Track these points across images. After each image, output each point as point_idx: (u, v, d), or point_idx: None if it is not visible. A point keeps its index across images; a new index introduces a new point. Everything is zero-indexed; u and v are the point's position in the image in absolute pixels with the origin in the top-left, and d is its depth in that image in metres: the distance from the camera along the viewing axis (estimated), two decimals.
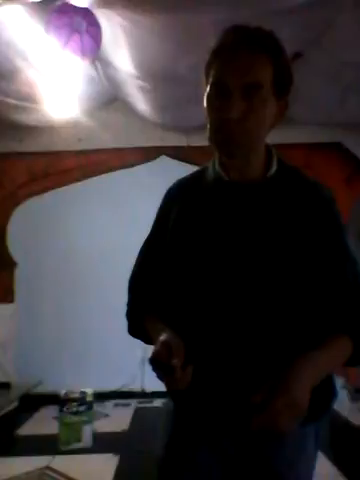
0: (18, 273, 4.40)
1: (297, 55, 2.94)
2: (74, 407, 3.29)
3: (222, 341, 1.02)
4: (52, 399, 3.62)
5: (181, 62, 2.80)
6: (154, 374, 0.94)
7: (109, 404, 4.26)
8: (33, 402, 3.99)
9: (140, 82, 3.21)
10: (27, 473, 2.87)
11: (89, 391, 3.38)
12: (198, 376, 0.93)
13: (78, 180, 4.40)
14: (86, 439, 3.29)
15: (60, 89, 3.30)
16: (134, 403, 4.28)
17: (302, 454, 1.05)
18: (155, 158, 4.38)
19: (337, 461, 2.85)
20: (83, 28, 2.29)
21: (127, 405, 4.26)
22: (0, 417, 3.18)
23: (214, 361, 1.01)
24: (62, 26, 2.26)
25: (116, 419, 3.93)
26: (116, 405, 4.28)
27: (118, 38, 2.65)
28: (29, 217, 4.42)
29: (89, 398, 3.36)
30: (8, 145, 4.22)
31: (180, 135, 4.17)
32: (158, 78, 3.09)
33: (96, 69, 3.24)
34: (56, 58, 2.62)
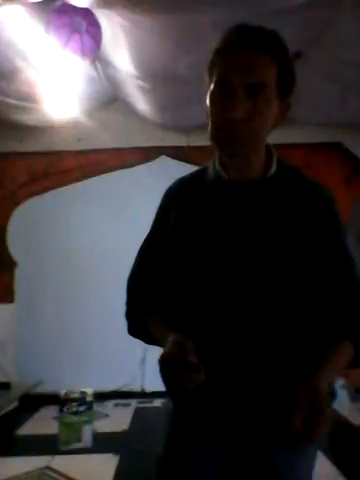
0: (18, 273, 4.40)
1: (297, 55, 2.93)
2: (74, 407, 3.29)
3: (224, 340, 1.02)
4: (52, 399, 3.62)
5: (181, 62, 2.80)
6: (155, 374, 0.94)
7: (109, 404, 4.26)
8: (33, 402, 3.99)
9: (140, 82, 3.21)
10: (27, 473, 2.87)
11: (89, 391, 3.38)
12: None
13: (78, 180, 4.40)
14: (86, 439, 3.29)
15: (60, 89, 3.30)
16: (134, 403, 4.28)
17: (302, 454, 1.05)
18: (155, 158, 4.38)
19: (337, 461, 2.85)
20: (83, 28, 2.29)
21: (127, 405, 4.26)
22: (0, 417, 3.18)
23: (216, 361, 1.01)
24: (62, 26, 2.26)
25: (116, 419, 3.93)
26: (116, 405, 4.28)
27: (118, 38, 2.65)
28: (29, 217, 4.42)
29: (89, 398, 3.36)
30: (8, 145, 4.22)
31: (180, 135, 4.18)
32: (158, 78, 3.09)
33: (96, 69, 3.24)
34: (56, 58, 2.62)
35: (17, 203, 4.43)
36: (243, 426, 1.02)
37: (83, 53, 2.39)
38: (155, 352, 0.99)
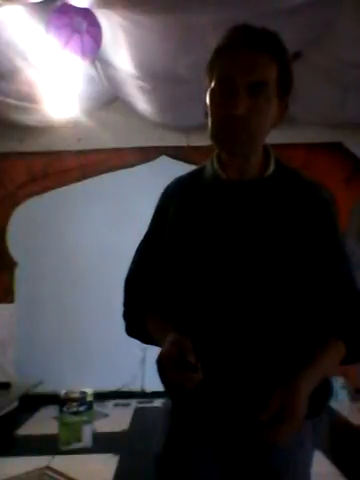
0: (18, 273, 4.40)
1: (297, 55, 2.94)
2: (74, 407, 3.29)
3: (221, 339, 1.02)
4: (52, 399, 3.62)
5: (181, 62, 2.80)
6: (155, 374, 0.94)
7: (109, 404, 4.26)
8: (33, 402, 3.99)
9: (140, 82, 3.21)
10: (27, 473, 2.87)
11: (89, 391, 3.38)
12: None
13: (78, 180, 4.41)
14: (86, 439, 3.29)
15: (60, 89, 3.30)
16: (134, 403, 4.28)
17: (299, 450, 1.05)
18: (155, 158, 4.38)
19: (337, 461, 2.85)
20: (83, 28, 2.29)
21: (127, 405, 4.26)
22: (0, 417, 3.18)
23: (214, 359, 1.02)
24: (62, 26, 2.26)
25: (116, 419, 3.93)
26: (116, 405, 4.28)
27: (118, 38, 2.65)
28: (29, 217, 4.42)
29: (89, 398, 3.36)
30: (8, 145, 4.22)
31: (180, 135, 4.18)
32: (158, 78, 3.09)
33: (96, 69, 3.24)
34: (56, 58, 2.62)
35: (17, 203, 4.43)
36: (241, 423, 1.02)
37: (83, 53, 2.40)
38: (155, 352, 0.99)
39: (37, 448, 3.23)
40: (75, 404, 3.29)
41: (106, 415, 4.03)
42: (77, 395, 3.33)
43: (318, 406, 1.04)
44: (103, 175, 4.41)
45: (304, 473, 1.08)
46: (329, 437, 3.10)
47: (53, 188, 4.40)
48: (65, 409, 3.28)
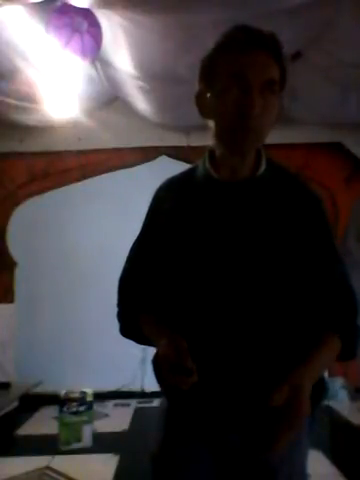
0: (18, 273, 4.40)
1: (297, 55, 2.94)
2: (74, 407, 3.29)
3: (216, 337, 1.03)
4: (52, 399, 3.62)
5: (181, 62, 2.80)
6: (154, 374, 0.94)
7: (109, 404, 4.26)
8: (33, 402, 3.99)
9: (140, 82, 3.21)
10: (27, 473, 2.87)
11: (89, 391, 3.38)
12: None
13: (78, 180, 4.41)
14: (86, 439, 3.29)
15: (60, 89, 3.30)
16: (134, 403, 4.28)
17: (296, 448, 1.05)
18: (155, 158, 4.38)
19: (337, 461, 2.84)
20: (84, 28, 2.29)
21: (127, 405, 4.26)
22: (0, 417, 3.18)
23: (209, 357, 1.02)
24: (63, 26, 2.26)
25: (116, 419, 3.93)
26: (116, 405, 4.28)
27: (118, 38, 2.65)
28: (29, 217, 4.42)
29: (89, 398, 3.36)
30: (8, 145, 4.22)
31: (180, 135, 4.18)
32: (158, 78, 3.09)
33: (96, 69, 3.24)
34: (56, 58, 2.63)
35: (17, 203, 4.43)
36: (237, 421, 1.02)
37: (83, 53, 2.40)
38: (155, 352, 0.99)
39: (37, 448, 3.23)
40: (75, 404, 3.29)
41: (106, 415, 4.04)
42: (77, 395, 3.32)
43: (314, 403, 1.04)
44: (103, 175, 4.41)
45: (300, 472, 1.08)
46: (329, 437, 3.10)
47: (53, 188, 4.40)
48: (65, 409, 3.28)
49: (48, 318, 4.43)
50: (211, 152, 1.09)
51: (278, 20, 2.39)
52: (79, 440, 3.27)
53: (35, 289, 4.47)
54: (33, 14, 2.39)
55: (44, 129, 4.14)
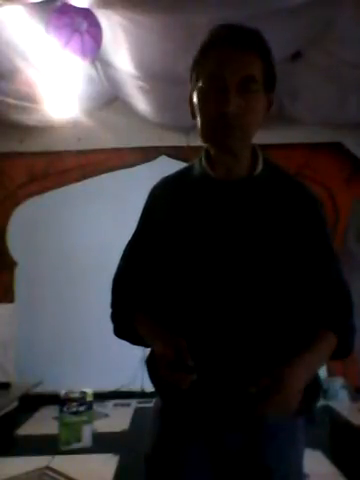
0: (18, 273, 4.40)
1: (297, 55, 2.94)
2: (74, 407, 3.29)
3: (213, 335, 1.03)
4: (52, 399, 3.62)
5: (181, 62, 2.80)
6: (148, 374, 0.94)
7: (109, 404, 4.26)
8: (33, 402, 3.99)
9: (140, 82, 3.21)
10: (27, 473, 2.87)
11: (89, 391, 3.38)
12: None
13: (78, 180, 4.41)
14: (86, 439, 3.29)
15: (60, 89, 3.30)
16: (134, 403, 4.28)
17: (292, 448, 1.06)
18: (155, 158, 4.38)
19: (337, 461, 2.84)
20: (83, 28, 2.29)
21: (127, 405, 4.26)
22: (0, 417, 3.18)
23: (206, 355, 1.02)
24: (62, 26, 2.26)
25: (116, 419, 3.93)
26: (116, 405, 4.28)
27: (118, 38, 2.65)
28: (29, 217, 4.42)
29: (89, 398, 3.36)
30: (8, 145, 4.22)
31: (180, 135, 4.17)
32: (158, 78, 3.09)
33: (96, 69, 3.24)
34: (56, 58, 2.63)
35: (17, 203, 4.43)
36: (235, 418, 1.02)
37: (83, 53, 2.40)
38: None
39: (37, 448, 3.23)
40: (75, 404, 3.29)
41: (106, 415, 4.03)
42: (77, 395, 3.32)
43: (308, 403, 1.05)
44: (103, 175, 4.41)
45: (296, 472, 1.08)
46: (329, 437, 3.10)
47: (53, 188, 4.40)
48: (65, 409, 3.28)
49: (48, 318, 4.43)
50: (207, 151, 1.09)
51: (278, 20, 2.39)
52: (79, 440, 3.27)
53: (35, 289, 4.47)
54: (33, 14, 2.39)
55: (44, 129, 4.14)
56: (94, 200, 4.44)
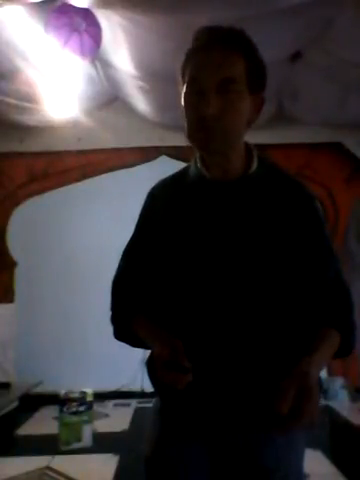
0: (18, 273, 4.40)
1: (297, 55, 2.94)
2: (74, 407, 3.29)
3: (211, 336, 1.02)
4: (52, 399, 3.62)
5: (181, 62, 2.80)
6: (148, 374, 0.94)
7: (109, 404, 4.26)
8: (33, 402, 3.99)
9: (140, 82, 3.21)
10: (27, 473, 2.87)
11: (89, 391, 3.38)
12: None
13: (78, 180, 4.41)
14: (86, 439, 3.29)
15: (60, 89, 3.30)
16: (134, 403, 4.28)
17: (291, 449, 1.06)
18: (155, 158, 4.38)
19: (337, 461, 2.84)
20: (82, 28, 2.29)
21: (127, 405, 4.26)
22: (0, 417, 3.18)
23: (204, 356, 1.02)
24: (61, 26, 2.26)
25: (116, 419, 3.93)
26: (116, 405, 4.28)
27: (118, 38, 2.65)
28: (29, 217, 4.42)
29: (89, 398, 3.36)
30: (8, 145, 4.23)
31: (180, 135, 4.09)
32: (158, 78, 3.08)
33: (96, 69, 3.24)
34: (56, 58, 2.63)
35: (17, 203, 4.44)
36: (233, 419, 1.02)
37: (82, 52, 2.40)
38: None
39: (37, 448, 3.23)
40: (75, 404, 3.29)
41: (106, 415, 4.04)
42: (77, 395, 3.33)
43: None
44: (103, 175, 4.41)
45: (297, 472, 1.08)
46: (329, 437, 3.10)
47: (53, 188, 4.40)
48: (65, 409, 3.28)
49: (48, 318, 4.43)
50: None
51: (278, 20, 2.39)
52: (79, 440, 3.27)
53: (35, 289, 4.47)
54: (33, 14, 2.39)
55: (44, 129, 4.14)
56: (94, 200, 4.45)
